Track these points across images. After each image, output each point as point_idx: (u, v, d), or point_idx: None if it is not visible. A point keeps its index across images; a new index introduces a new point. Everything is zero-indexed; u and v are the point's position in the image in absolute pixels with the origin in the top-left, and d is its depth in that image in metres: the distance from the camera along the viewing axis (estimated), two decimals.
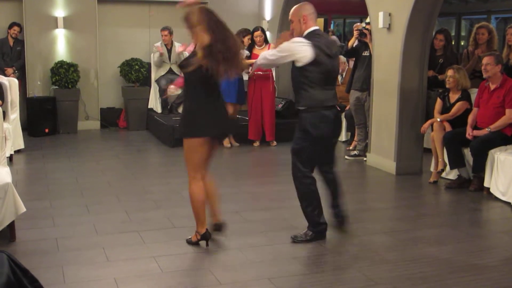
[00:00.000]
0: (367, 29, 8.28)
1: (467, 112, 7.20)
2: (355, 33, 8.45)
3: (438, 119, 7.27)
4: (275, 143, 9.63)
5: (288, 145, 9.39)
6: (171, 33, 10.72)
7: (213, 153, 4.95)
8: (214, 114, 4.78)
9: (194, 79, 4.72)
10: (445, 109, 7.36)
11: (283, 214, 5.93)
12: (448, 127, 7.22)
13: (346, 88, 8.94)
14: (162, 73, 10.91)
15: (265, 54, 5.08)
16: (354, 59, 8.83)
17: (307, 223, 5.20)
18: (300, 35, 5.02)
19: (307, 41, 4.87)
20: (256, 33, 9.44)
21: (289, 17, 5.15)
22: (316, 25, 5.05)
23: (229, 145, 9.46)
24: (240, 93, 9.43)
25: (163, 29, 10.73)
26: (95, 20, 11.04)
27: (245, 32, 9.48)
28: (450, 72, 7.27)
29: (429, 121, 7.40)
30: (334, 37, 4.64)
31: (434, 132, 7.31)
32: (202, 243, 4.97)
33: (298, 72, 4.95)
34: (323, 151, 5.16)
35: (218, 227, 5.03)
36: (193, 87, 4.78)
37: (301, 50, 4.85)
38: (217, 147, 4.97)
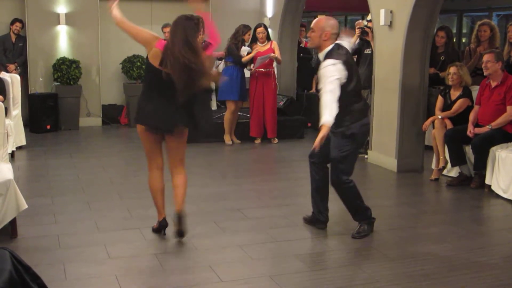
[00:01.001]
0: (369, 27, 8.29)
1: (469, 109, 7.20)
2: (357, 31, 8.47)
3: (440, 116, 7.27)
4: (276, 140, 9.64)
5: (290, 142, 9.55)
6: None
7: (170, 147, 5.03)
8: (160, 108, 4.82)
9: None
10: (446, 106, 7.36)
11: (284, 212, 5.93)
12: (449, 125, 7.21)
13: None
14: None
15: (326, 94, 4.73)
16: (356, 57, 8.84)
17: (359, 220, 5.27)
18: (315, 47, 5.12)
19: (337, 60, 4.82)
20: (258, 30, 9.41)
21: (312, 25, 5.06)
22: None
23: (230, 143, 9.46)
24: (242, 90, 9.44)
25: (165, 26, 10.71)
26: (97, 16, 11.04)
27: (245, 28, 9.47)
28: (453, 69, 7.26)
29: (431, 119, 7.40)
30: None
31: (435, 130, 7.31)
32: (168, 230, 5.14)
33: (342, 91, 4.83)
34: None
35: (176, 218, 4.97)
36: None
37: (339, 69, 4.80)
38: (171, 140, 5.00)
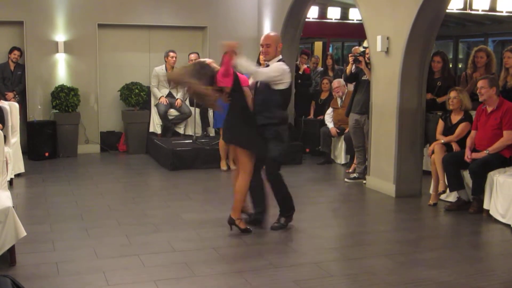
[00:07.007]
0: (361, 54, 8.34)
1: (466, 134, 7.24)
2: (350, 59, 8.54)
3: (442, 141, 7.30)
4: None
5: (288, 168, 9.51)
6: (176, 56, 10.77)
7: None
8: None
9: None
10: (446, 130, 7.42)
11: (283, 238, 5.92)
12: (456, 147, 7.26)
13: (346, 112, 8.97)
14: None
15: (264, 71, 5.90)
16: (354, 83, 8.90)
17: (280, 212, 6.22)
18: (272, 59, 5.99)
19: (287, 67, 5.93)
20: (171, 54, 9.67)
21: (265, 41, 5.99)
22: None
23: (225, 168, 9.48)
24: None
25: (173, 51, 10.73)
26: (95, 44, 11.12)
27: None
28: (453, 93, 7.32)
29: (434, 143, 7.43)
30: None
31: (435, 154, 7.33)
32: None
33: (275, 93, 5.87)
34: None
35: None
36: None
37: (288, 75, 5.90)
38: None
